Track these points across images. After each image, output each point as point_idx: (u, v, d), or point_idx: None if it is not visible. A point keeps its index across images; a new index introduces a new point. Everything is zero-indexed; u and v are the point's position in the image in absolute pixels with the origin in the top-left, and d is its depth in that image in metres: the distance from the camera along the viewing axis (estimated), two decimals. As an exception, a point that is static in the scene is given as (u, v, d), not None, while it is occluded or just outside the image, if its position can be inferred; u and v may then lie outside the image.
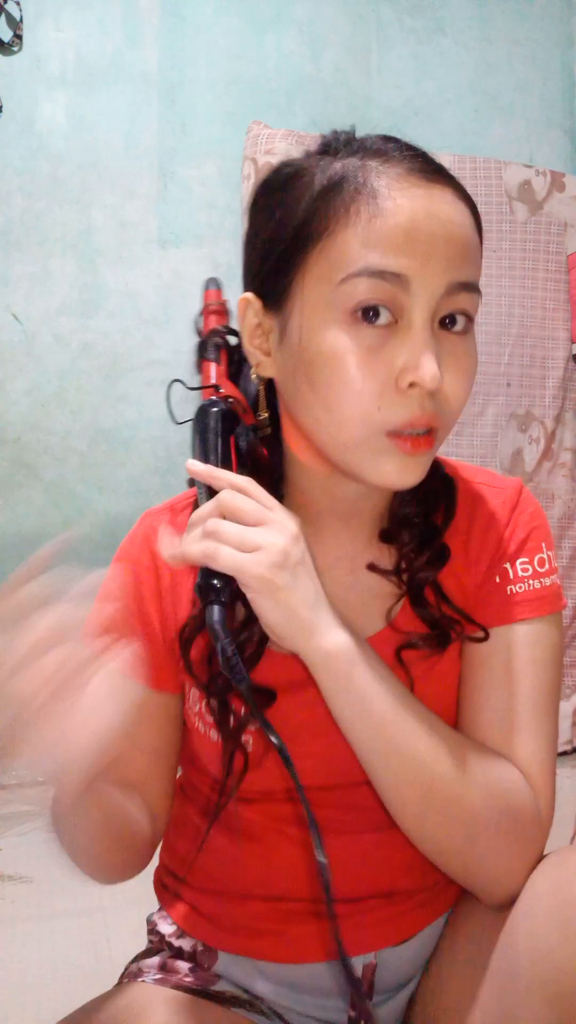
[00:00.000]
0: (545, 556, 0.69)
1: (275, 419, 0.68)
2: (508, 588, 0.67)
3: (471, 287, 0.59)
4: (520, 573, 0.68)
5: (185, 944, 0.74)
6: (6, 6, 2.01)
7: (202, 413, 0.64)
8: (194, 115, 2.19)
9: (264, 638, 0.64)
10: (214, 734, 0.66)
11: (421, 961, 0.73)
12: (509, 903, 0.63)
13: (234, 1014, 0.68)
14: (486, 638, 0.67)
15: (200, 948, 0.73)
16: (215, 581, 0.58)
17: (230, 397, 0.65)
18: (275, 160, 2.21)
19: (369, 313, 0.57)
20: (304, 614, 0.57)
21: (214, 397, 0.64)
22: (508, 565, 0.68)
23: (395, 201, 0.56)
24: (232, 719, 0.65)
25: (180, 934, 0.75)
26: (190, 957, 0.73)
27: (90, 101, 2.11)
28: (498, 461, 2.18)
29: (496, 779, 0.63)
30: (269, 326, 0.63)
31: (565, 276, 2.23)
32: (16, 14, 2.02)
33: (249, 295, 0.64)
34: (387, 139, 0.61)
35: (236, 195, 2.17)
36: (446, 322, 0.59)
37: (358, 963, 0.70)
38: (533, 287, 2.19)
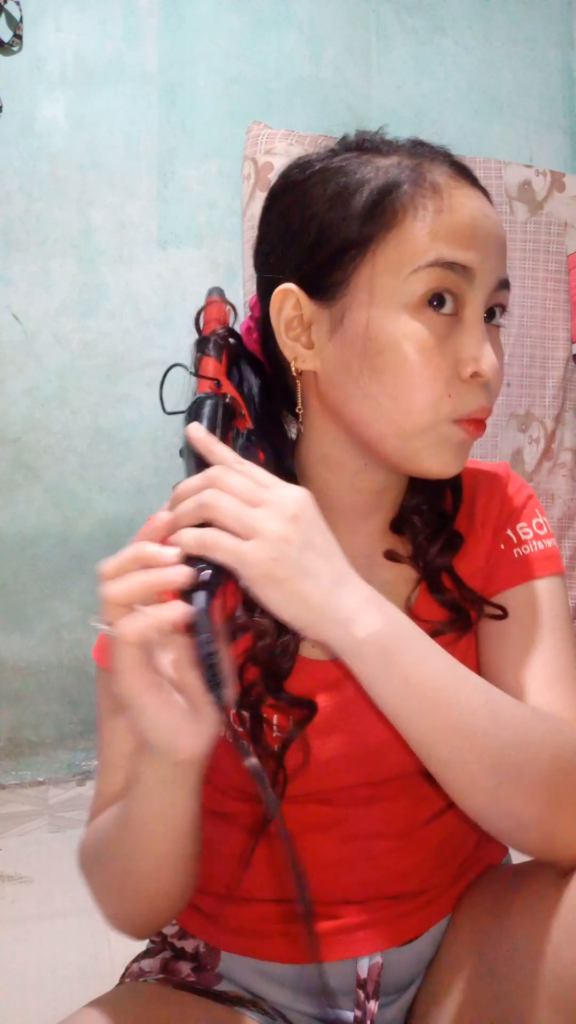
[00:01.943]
0: (541, 520, 0.72)
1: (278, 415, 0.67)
2: (515, 551, 0.70)
3: (508, 284, 0.63)
4: (523, 536, 0.71)
5: (187, 945, 0.74)
6: (6, 6, 2.01)
7: (198, 406, 0.60)
8: (194, 115, 2.19)
9: (296, 649, 0.64)
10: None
11: (426, 961, 0.73)
12: None
13: (237, 1013, 0.68)
14: (505, 616, 0.68)
15: (202, 949, 0.73)
16: (204, 567, 0.51)
17: (228, 395, 0.62)
18: (276, 160, 2.18)
19: (436, 301, 0.59)
20: (319, 601, 0.51)
21: (211, 391, 0.61)
22: (510, 531, 0.71)
23: (456, 198, 0.60)
24: (267, 731, 0.63)
25: (182, 935, 0.75)
26: (192, 958, 0.73)
27: (90, 101, 2.11)
28: (498, 461, 2.18)
29: (557, 734, 0.59)
30: (313, 318, 0.63)
31: (565, 276, 2.23)
32: (16, 14, 2.02)
33: (291, 286, 0.63)
34: (418, 142, 0.64)
35: (236, 195, 2.16)
36: (486, 315, 0.62)
37: (364, 964, 0.70)
38: (533, 287, 2.19)
